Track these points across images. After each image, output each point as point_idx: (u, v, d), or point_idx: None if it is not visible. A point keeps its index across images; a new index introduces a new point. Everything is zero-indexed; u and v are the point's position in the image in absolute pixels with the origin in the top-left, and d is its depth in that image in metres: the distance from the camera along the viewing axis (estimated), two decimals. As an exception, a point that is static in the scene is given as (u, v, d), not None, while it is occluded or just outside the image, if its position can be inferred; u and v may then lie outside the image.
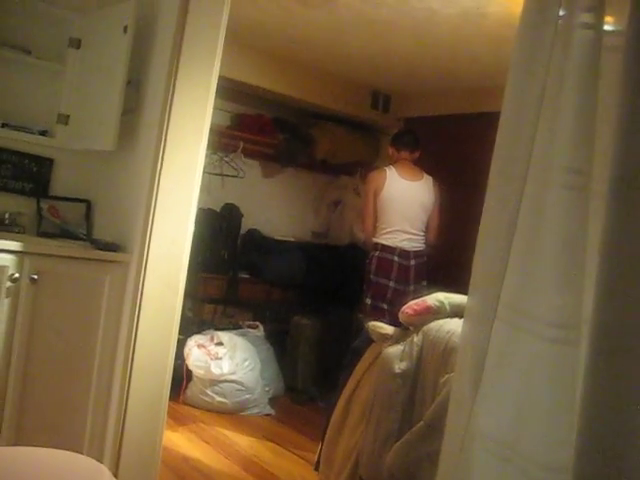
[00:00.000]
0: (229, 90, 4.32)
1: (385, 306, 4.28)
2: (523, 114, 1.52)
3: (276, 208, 5.52)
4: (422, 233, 4.48)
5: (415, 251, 4.42)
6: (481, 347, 1.54)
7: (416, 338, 2.82)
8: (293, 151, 5.24)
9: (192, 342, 4.36)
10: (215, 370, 4.21)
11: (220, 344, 4.38)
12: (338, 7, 3.68)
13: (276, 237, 5.30)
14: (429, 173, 4.51)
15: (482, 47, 3.91)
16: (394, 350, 2.82)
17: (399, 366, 2.78)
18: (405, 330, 2.86)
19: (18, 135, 3.00)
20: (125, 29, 2.77)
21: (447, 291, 2.93)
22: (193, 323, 4.61)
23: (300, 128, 5.39)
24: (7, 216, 2.94)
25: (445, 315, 2.86)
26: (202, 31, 2.69)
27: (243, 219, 5.10)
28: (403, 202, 4.37)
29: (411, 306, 2.91)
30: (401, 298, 3.58)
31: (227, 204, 5.02)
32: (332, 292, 5.21)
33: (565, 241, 1.42)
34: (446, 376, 2.55)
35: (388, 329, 2.90)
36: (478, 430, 1.49)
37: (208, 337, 4.44)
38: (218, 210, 4.96)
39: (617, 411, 1.31)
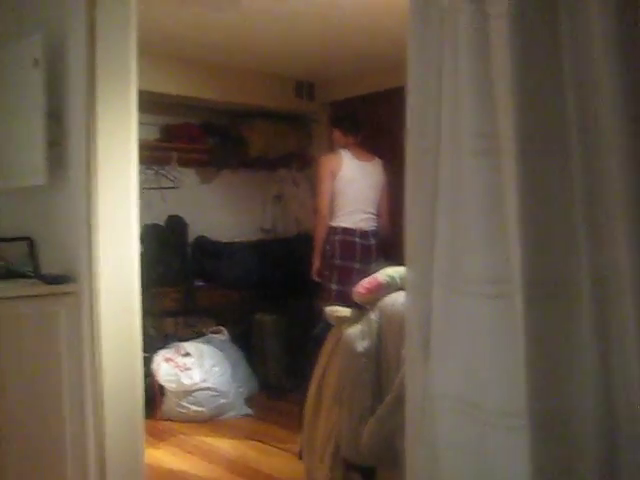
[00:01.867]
0: (153, 103, 4.32)
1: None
2: (425, 87, 1.60)
3: (220, 212, 5.55)
4: (375, 213, 4.57)
5: (372, 230, 4.51)
6: (425, 314, 1.62)
7: (373, 315, 2.90)
8: (226, 153, 5.27)
9: (159, 357, 4.38)
10: (186, 381, 4.25)
11: (187, 355, 4.41)
12: (244, 7, 3.72)
13: (224, 240, 5.33)
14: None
15: (390, 22, 3.98)
16: (354, 330, 2.90)
17: (361, 345, 2.85)
18: (361, 309, 2.93)
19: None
20: (36, 62, 2.77)
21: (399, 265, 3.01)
22: (157, 339, 4.62)
23: (230, 129, 5.42)
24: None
25: (397, 288, 2.94)
26: (114, 50, 2.69)
27: (189, 228, 5.12)
28: (359, 182, 4.44)
29: (363, 285, 2.98)
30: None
31: (170, 216, 5.03)
32: (288, 284, 5.26)
33: (485, 203, 1.51)
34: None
35: (345, 311, 2.97)
36: (435, 391, 1.57)
37: (174, 350, 4.46)
38: (162, 223, 4.97)
39: (555, 351, 1.41)
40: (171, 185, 5.04)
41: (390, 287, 2.96)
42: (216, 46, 4.50)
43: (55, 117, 2.84)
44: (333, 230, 4.44)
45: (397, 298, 2.92)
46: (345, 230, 4.41)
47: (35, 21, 2.97)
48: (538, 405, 1.39)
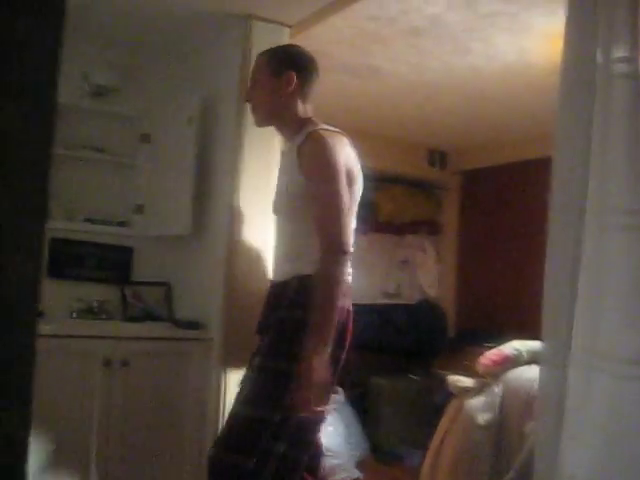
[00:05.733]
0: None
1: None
2: (574, 160, 1.59)
3: (345, 273, 5.61)
4: None
5: None
6: (560, 391, 1.58)
7: (497, 388, 2.84)
8: (357, 216, 5.36)
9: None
10: (301, 438, 4.26)
11: (303, 412, 4.44)
12: (385, 76, 3.84)
13: (348, 301, 5.37)
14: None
15: (529, 96, 3.99)
16: (476, 402, 2.85)
17: (482, 417, 2.80)
18: (484, 381, 2.88)
19: (100, 228, 3.22)
20: (190, 120, 2.98)
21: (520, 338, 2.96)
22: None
23: (363, 194, 5.52)
24: (95, 304, 3.13)
25: (523, 362, 2.88)
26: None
27: (314, 287, 5.19)
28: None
29: (488, 357, 2.94)
30: None
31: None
32: (409, 350, 5.22)
33: (630, 280, 1.47)
34: (531, 424, 2.55)
35: (467, 382, 2.93)
36: (566, 471, 1.52)
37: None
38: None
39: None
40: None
41: (516, 361, 2.90)
42: (353, 112, 4.64)
43: (203, 171, 3.03)
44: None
45: (522, 373, 2.85)
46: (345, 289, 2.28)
47: (192, 82, 3.21)
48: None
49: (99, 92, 3.18)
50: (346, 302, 2.21)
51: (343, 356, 2.19)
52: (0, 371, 0.61)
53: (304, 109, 2.33)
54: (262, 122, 2.37)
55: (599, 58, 1.56)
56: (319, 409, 2.05)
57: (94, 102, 3.22)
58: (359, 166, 2.40)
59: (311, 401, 1.98)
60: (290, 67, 2.29)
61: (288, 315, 2.15)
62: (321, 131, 2.23)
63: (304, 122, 2.28)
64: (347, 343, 2.22)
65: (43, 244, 0.74)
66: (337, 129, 2.32)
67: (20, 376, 0.69)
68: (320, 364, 2.00)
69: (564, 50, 1.64)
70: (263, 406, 2.04)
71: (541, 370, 1.68)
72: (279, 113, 2.31)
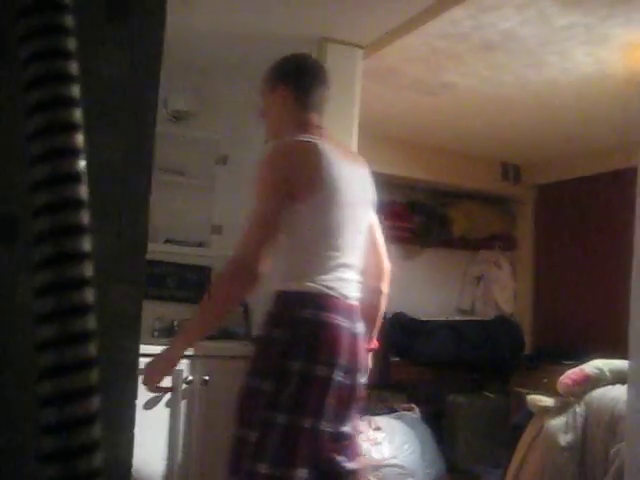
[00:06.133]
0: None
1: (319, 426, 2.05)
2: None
3: (420, 288, 5.58)
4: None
5: (358, 306, 2.25)
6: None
7: (578, 408, 2.78)
8: (430, 232, 5.35)
9: (351, 429, 4.44)
10: (376, 455, 4.25)
11: (378, 429, 4.43)
12: (458, 91, 3.83)
13: (422, 317, 5.35)
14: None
15: (607, 107, 3.91)
16: (557, 422, 2.79)
17: (564, 439, 2.73)
18: (566, 401, 2.82)
19: (179, 249, 3.31)
20: (267, 141, 3.04)
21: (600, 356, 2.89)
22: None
23: (435, 209, 5.50)
24: (176, 323, 3.21)
25: (606, 382, 2.80)
26: (337, 132, 2.90)
27: (388, 303, 5.20)
28: (352, 204, 2.21)
29: (569, 376, 2.88)
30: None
31: (371, 290, 5.15)
32: (484, 367, 5.15)
33: None
34: (616, 446, 2.49)
35: (548, 401, 2.87)
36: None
37: (365, 423, 4.50)
38: (363, 297, 5.09)
39: None
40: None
41: (599, 380, 2.83)
42: (426, 128, 4.64)
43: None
44: (298, 300, 2.10)
45: (605, 393, 2.78)
46: (321, 302, 2.09)
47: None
48: None
49: (178, 117, 3.29)
50: (330, 316, 2.05)
51: (322, 372, 2.01)
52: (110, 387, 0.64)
53: (306, 119, 2.20)
54: (270, 139, 2.30)
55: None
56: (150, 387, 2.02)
57: (173, 127, 3.33)
58: (357, 172, 2.26)
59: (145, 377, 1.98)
60: (280, 80, 2.22)
61: (263, 333, 2.13)
62: (284, 141, 2.13)
63: (299, 133, 2.14)
64: (327, 358, 2.02)
65: (143, 272, 0.78)
66: (317, 137, 2.13)
67: (126, 395, 0.73)
68: (167, 355, 2.05)
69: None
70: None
71: (629, 391, 1.64)
72: (280, 128, 2.23)
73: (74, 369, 0.50)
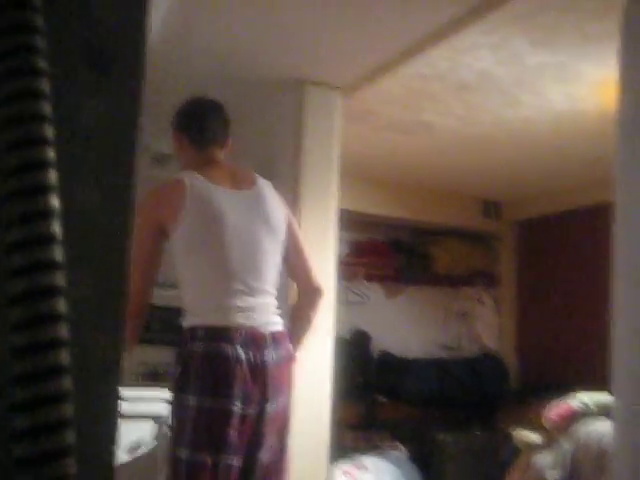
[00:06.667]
0: (342, 220, 4.54)
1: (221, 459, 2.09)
2: (637, 209, 1.58)
3: (404, 327, 5.58)
4: (276, 290, 2.36)
5: (275, 332, 2.26)
6: (636, 450, 1.53)
7: (565, 444, 2.77)
8: (413, 270, 5.37)
9: (337, 470, 4.38)
10: (364, 496, 4.20)
11: (364, 469, 4.38)
12: (436, 130, 3.89)
13: (408, 356, 5.33)
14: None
15: (581, 143, 3.98)
16: (545, 458, 2.78)
17: (552, 475, 2.72)
18: (552, 436, 2.81)
19: (163, 292, 3.28)
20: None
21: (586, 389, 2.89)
22: (334, 450, 4.65)
23: (417, 246, 5.54)
24: (161, 368, 3.19)
25: (592, 416, 2.80)
26: (317, 172, 2.93)
27: (372, 342, 5.19)
28: (236, 229, 2.25)
29: (555, 411, 2.88)
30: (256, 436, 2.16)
31: (355, 330, 5.14)
32: (470, 404, 5.13)
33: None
34: (603, 480, 2.48)
35: (534, 437, 2.86)
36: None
37: (351, 463, 4.45)
38: (347, 337, 5.08)
39: None
40: (357, 299, 5.19)
41: (584, 414, 2.83)
42: (406, 167, 4.70)
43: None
44: (189, 334, 2.18)
45: (592, 426, 2.78)
46: (212, 333, 2.15)
47: (248, 147, 3.30)
48: None
49: (161, 160, 3.31)
50: (220, 346, 2.10)
51: (217, 405, 2.07)
52: (89, 436, 0.64)
53: (204, 155, 2.37)
54: None
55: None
56: None
57: (157, 170, 3.34)
58: (249, 198, 2.33)
59: None
60: (176, 127, 2.42)
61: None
62: (156, 184, 2.32)
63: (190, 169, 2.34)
64: (220, 390, 2.08)
65: (122, 322, 0.78)
66: (207, 171, 2.30)
67: (105, 444, 0.73)
68: None
69: (620, 96, 1.65)
70: None
71: (614, 428, 1.63)
72: (185, 167, 2.39)
73: (47, 403, 0.51)
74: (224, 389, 2.07)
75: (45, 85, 0.58)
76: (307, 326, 2.44)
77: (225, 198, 2.25)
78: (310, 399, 2.84)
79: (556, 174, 4.76)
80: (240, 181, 2.36)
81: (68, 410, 0.53)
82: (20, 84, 0.57)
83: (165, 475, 2.16)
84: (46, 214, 0.55)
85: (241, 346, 2.11)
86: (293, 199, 2.88)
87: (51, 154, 0.56)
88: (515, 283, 5.66)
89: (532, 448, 2.83)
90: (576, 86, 3.26)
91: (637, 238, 1.56)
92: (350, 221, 5.08)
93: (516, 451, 2.96)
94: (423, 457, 4.88)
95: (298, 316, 2.43)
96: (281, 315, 2.30)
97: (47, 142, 0.56)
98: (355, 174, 4.77)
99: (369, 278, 5.25)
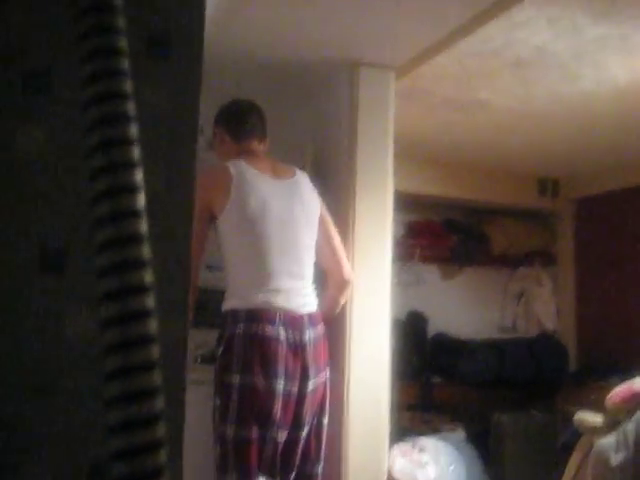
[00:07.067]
0: (398, 201, 4.50)
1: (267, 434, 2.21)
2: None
3: (460, 308, 5.53)
4: (311, 275, 2.51)
5: (311, 314, 2.42)
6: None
7: (629, 426, 2.71)
8: (468, 250, 5.31)
9: (395, 451, 4.39)
10: (421, 477, 4.20)
11: (422, 450, 4.38)
12: (492, 108, 3.81)
13: (464, 337, 5.29)
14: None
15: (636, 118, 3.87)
16: (607, 441, 2.72)
17: (616, 458, 2.67)
18: (615, 419, 2.76)
19: (219, 275, 3.32)
20: (304, 167, 3.07)
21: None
22: (392, 432, 4.65)
23: (472, 227, 5.47)
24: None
25: (657, 398, 2.74)
26: (372, 155, 2.92)
27: (429, 324, 5.17)
28: (278, 215, 2.40)
29: (617, 393, 2.82)
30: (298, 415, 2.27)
31: (411, 311, 5.12)
32: (529, 385, 5.07)
33: None
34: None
35: (596, 420, 2.81)
36: None
37: (410, 444, 4.45)
38: (403, 318, 5.07)
39: None
40: (413, 281, 5.16)
41: (649, 397, 2.76)
42: (461, 146, 4.63)
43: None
44: (231, 317, 2.33)
45: (657, 409, 2.71)
46: (252, 315, 2.28)
47: (304, 132, 3.29)
48: None
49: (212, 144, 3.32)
50: (261, 328, 2.25)
51: (261, 383, 2.22)
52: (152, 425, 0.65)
53: (243, 146, 2.59)
54: None
55: None
56: None
57: (209, 154, 3.36)
58: (287, 187, 2.50)
59: None
60: (216, 123, 2.67)
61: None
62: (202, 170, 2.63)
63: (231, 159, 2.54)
64: (263, 369, 2.24)
65: (188, 307, 0.79)
66: (248, 160, 2.48)
67: (173, 428, 0.74)
68: None
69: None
70: None
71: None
72: (223, 159, 2.61)
73: (140, 397, 0.53)
74: (267, 368, 2.19)
75: (126, 65, 0.58)
76: (334, 310, 2.64)
77: (268, 185, 2.42)
78: (369, 381, 2.84)
79: (616, 150, 4.63)
80: (281, 171, 2.54)
81: (160, 404, 0.54)
82: (103, 66, 0.57)
83: (214, 454, 2.23)
84: (135, 213, 0.56)
85: (281, 327, 2.25)
86: (349, 182, 2.87)
87: (137, 153, 0.57)
88: (573, 262, 5.54)
89: (594, 431, 2.78)
90: (638, 58, 3.16)
91: None
92: (405, 202, 5.05)
93: (577, 434, 2.91)
94: (481, 438, 4.85)
95: (327, 302, 2.58)
96: (316, 296, 2.45)
97: (133, 141, 0.57)
98: (410, 154, 4.72)
99: (425, 259, 5.21)
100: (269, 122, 3.50)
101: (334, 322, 2.89)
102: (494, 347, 5.23)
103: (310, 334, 2.33)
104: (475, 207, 5.49)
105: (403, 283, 5.08)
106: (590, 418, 2.85)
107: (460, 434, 4.77)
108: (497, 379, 5.11)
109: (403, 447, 4.44)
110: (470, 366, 5.06)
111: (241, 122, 2.58)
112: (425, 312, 5.15)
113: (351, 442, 2.78)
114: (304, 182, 2.57)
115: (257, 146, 2.57)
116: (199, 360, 3.18)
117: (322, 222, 2.56)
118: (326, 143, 3.10)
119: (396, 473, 4.29)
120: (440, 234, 5.28)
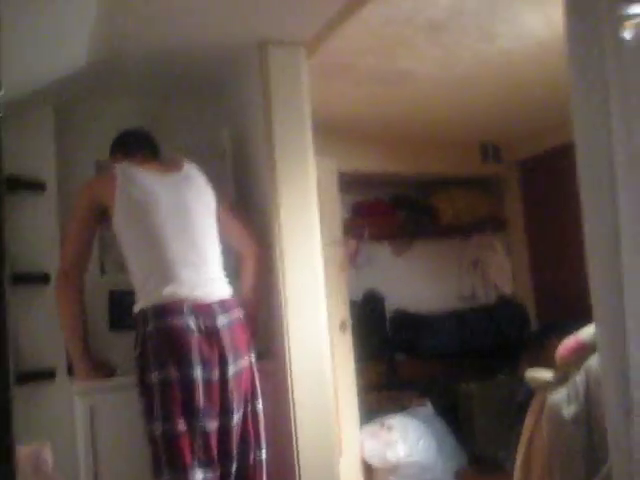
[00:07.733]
0: (343, 183, 4.43)
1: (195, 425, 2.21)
2: (594, 118, 1.50)
3: (416, 283, 5.50)
4: (219, 262, 2.53)
5: (221, 299, 2.42)
6: (622, 374, 1.47)
7: (578, 378, 2.69)
8: (418, 224, 5.27)
9: (364, 434, 4.35)
10: (391, 456, 4.17)
11: (390, 429, 4.34)
12: (417, 78, 3.76)
13: (423, 311, 5.26)
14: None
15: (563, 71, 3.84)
16: (559, 395, 2.70)
17: (568, 411, 2.65)
18: (565, 371, 2.73)
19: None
20: (223, 154, 3.00)
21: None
22: (360, 414, 4.61)
23: (418, 200, 5.43)
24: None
25: (602, 347, 2.72)
26: (290, 134, 2.84)
27: (386, 302, 5.12)
28: (169, 207, 2.43)
29: (564, 346, 2.80)
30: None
31: (367, 292, 5.08)
32: (493, 352, 5.07)
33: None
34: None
35: (545, 375, 2.79)
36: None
37: (378, 425, 4.42)
38: (359, 300, 5.01)
39: None
40: (365, 261, 5.11)
41: (595, 345, 2.74)
42: (394, 120, 4.57)
43: (241, 202, 3.03)
44: (142, 317, 2.32)
45: (604, 357, 2.69)
46: (160, 311, 2.28)
47: (220, 119, 3.22)
48: None
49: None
50: (168, 321, 2.25)
51: (178, 374, 2.21)
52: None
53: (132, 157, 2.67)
54: None
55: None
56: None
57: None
58: (177, 181, 2.56)
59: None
60: (111, 150, 2.79)
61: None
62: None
63: None
64: (178, 360, 2.23)
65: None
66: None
67: None
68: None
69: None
70: None
71: (599, 356, 1.57)
72: None
73: None
74: (182, 358, 2.19)
75: None
76: (257, 282, 2.69)
77: (155, 180, 2.47)
78: (311, 368, 2.79)
79: (549, 107, 4.59)
80: (167, 166, 2.60)
81: None
82: None
83: (148, 456, 2.20)
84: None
85: (190, 316, 2.25)
86: (269, 164, 2.80)
87: None
88: (523, 225, 5.55)
89: (546, 386, 2.75)
90: (553, 9, 3.11)
91: (596, 156, 1.48)
92: (350, 183, 4.99)
93: (531, 392, 2.89)
94: (450, 409, 4.83)
95: (248, 275, 2.67)
96: (228, 283, 2.48)
97: None
98: (347, 134, 4.66)
99: (375, 238, 5.16)
100: (187, 116, 3.43)
101: (270, 313, 2.84)
102: (454, 318, 5.22)
103: (223, 320, 2.33)
104: (420, 180, 5.45)
105: (356, 265, 5.03)
106: (541, 374, 2.82)
107: (429, 408, 4.75)
108: (461, 349, 5.10)
109: (372, 428, 4.41)
110: (432, 339, 5.04)
111: (127, 142, 2.72)
112: (381, 291, 5.11)
113: (301, 432, 2.73)
114: (195, 173, 2.62)
115: (147, 157, 2.67)
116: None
117: (221, 208, 2.64)
118: (243, 127, 3.03)
119: (367, 455, 4.26)
120: (387, 211, 5.24)
